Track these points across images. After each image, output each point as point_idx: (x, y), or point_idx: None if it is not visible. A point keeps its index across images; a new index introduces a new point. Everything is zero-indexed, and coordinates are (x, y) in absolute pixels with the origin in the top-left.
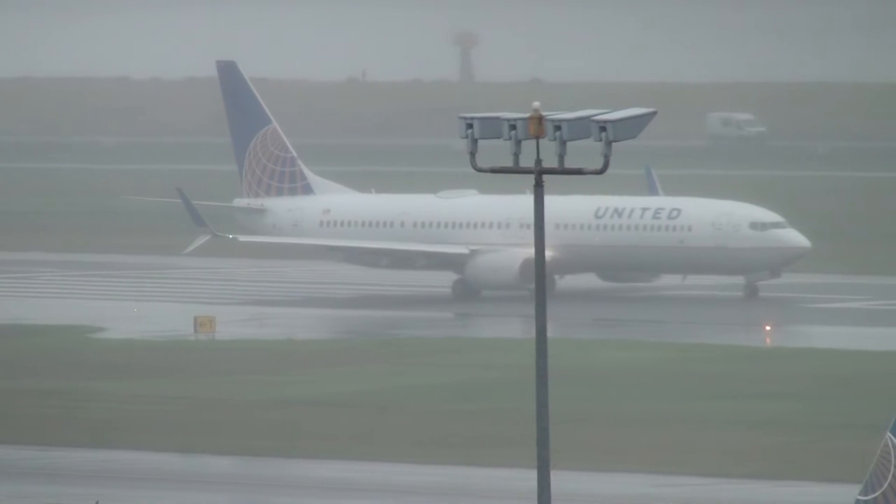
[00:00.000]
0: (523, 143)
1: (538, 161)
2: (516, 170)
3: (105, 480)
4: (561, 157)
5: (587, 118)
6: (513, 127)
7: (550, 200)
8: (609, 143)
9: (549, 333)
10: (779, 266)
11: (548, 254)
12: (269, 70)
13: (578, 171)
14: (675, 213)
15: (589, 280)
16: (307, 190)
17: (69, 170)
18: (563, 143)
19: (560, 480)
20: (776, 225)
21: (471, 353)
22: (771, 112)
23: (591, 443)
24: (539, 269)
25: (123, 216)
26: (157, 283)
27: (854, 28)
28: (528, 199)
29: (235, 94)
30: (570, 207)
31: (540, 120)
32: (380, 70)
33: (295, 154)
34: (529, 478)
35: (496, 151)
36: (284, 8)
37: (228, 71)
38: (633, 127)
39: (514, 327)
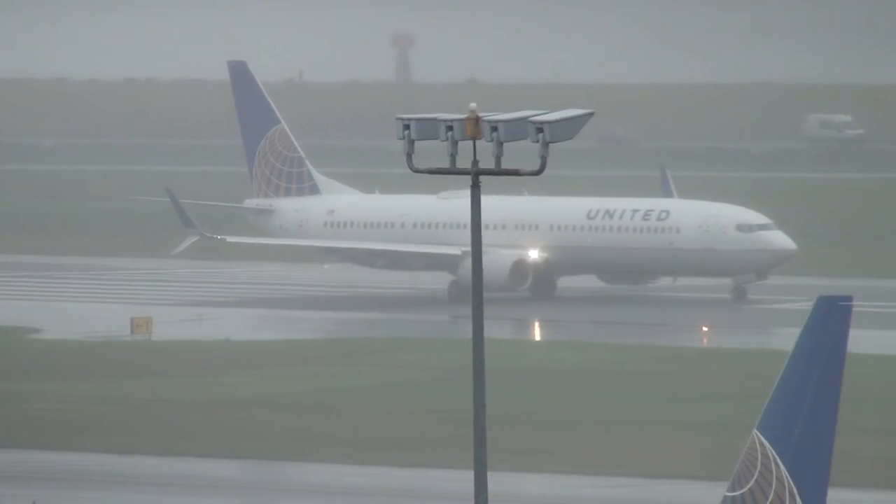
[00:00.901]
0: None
1: (475, 162)
2: (453, 171)
3: (41, 481)
4: (498, 158)
5: (524, 119)
6: (450, 128)
7: (545, 201)
8: (546, 145)
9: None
10: (765, 268)
11: (541, 255)
12: (205, 72)
13: (515, 172)
14: (664, 214)
15: (587, 282)
16: (314, 190)
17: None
18: (499, 144)
19: (497, 481)
20: (762, 227)
21: (418, 354)
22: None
23: (531, 444)
24: (476, 271)
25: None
26: (103, 284)
27: None
28: (523, 201)
29: (246, 94)
30: (563, 208)
31: (477, 121)
32: (317, 71)
33: (303, 154)
34: (466, 479)
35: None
36: (222, 10)
37: (239, 71)
38: (570, 128)
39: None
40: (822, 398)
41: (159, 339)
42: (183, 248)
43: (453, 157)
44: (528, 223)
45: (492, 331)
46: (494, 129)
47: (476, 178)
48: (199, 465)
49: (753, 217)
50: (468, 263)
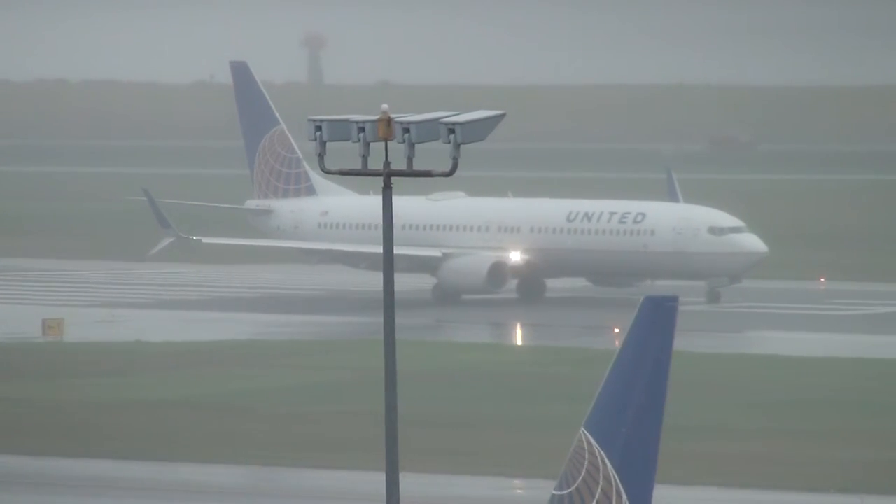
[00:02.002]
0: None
1: (386, 163)
2: (364, 172)
3: None
4: (409, 160)
5: (435, 120)
6: (361, 129)
7: (526, 203)
8: (457, 146)
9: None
10: (737, 271)
11: (522, 257)
12: (117, 72)
13: (427, 174)
14: (640, 217)
15: (577, 284)
16: (310, 191)
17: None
18: (411, 146)
19: (409, 483)
20: (734, 230)
21: (332, 355)
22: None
23: (440, 445)
24: (387, 272)
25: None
26: (16, 286)
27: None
28: (507, 203)
29: (247, 95)
30: (544, 211)
31: (388, 122)
32: (228, 72)
33: (300, 155)
34: (378, 480)
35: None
36: (134, 11)
37: (240, 72)
38: (481, 129)
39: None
40: (649, 397)
41: (71, 341)
42: (159, 249)
43: (365, 158)
44: (511, 225)
45: (430, 334)
46: (406, 130)
47: (388, 179)
48: (107, 466)
49: (726, 220)
50: (449, 265)
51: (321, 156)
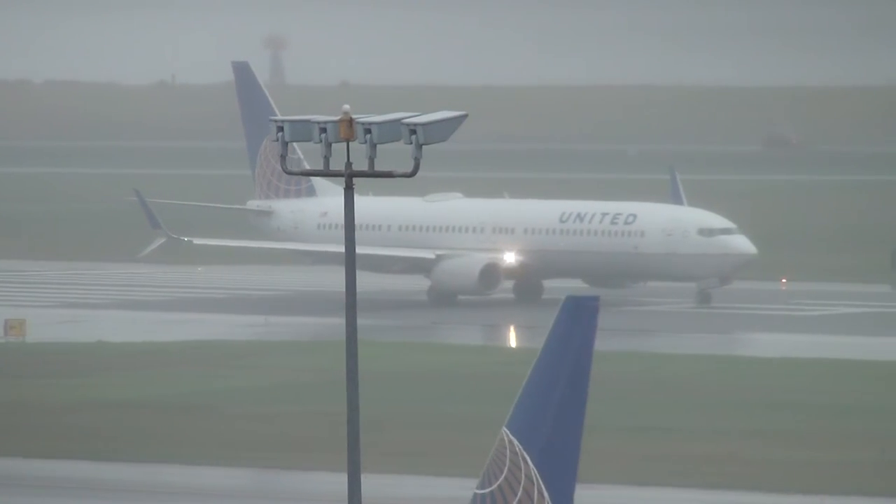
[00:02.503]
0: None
1: (348, 164)
2: (326, 173)
3: None
4: (371, 160)
5: (397, 121)
6: (323, 130)
7: (520, 205)
8: (419, 146)
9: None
10: (726, 273)
11: (516, 258)
12: (78, 73)
13: (388, 174)
14: (631, 218)
15: (576, 285)
16: (310, 192)
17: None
18: (373, 146)
19: (371, 483)
20: (724, 231)
21: (289, 356)
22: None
23: (404, 446)
24: (349, 273)
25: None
26: None
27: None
28: (502, 204)
29: (249, 96)
30: (537, 212)
31: (350, 123)
32: (190, 73)
33: (301, 156)
34: (340, 481)
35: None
36: (96, 12)
37: (242, 72)
38: (443, 130)
39: (387, 333)
40: (570, 396)
41: (33, 342)
42: (150, 250)
43: (327, 158)
44: (505, 226)
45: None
46: (368, 131)
47: (349, 179)
48: (66, 466)
49: (716, 221)
50: (442, 267)
51: (283, 156)
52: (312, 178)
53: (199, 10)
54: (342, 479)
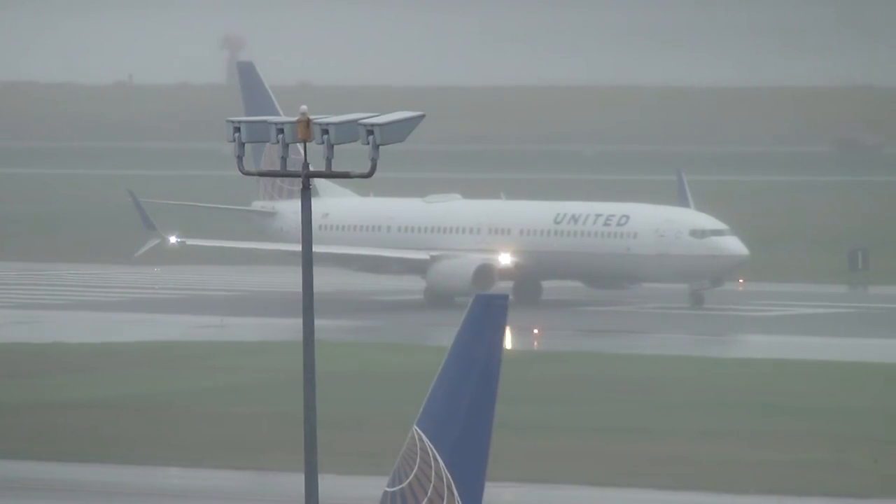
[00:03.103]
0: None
1: (305, 164)
2: (283, 173)
3: None
4: (328, 161)
5: (354, 122)
6: (280, 131)
7: (516, 206)
8: (377, 147)
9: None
10: (718, 274)
11: (511, 259)
12: (37, 73)
13: (345, 175)
14: (623, 219)
15: (575, 287)
16: (314, 193)
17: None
18: (330, 147)
19: (327, 484)
20: (716, 232)
21: (248, 357)
22: None
23: (359, 446)
24: (306, 273)
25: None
26: None
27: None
28: (499, 205)
29: (253, 96)
30: (532, 213)
31: (307, 123)
32: (147, 73)
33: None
34: (297, 481)
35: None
36: (53, 12)
37: (247, 72)
38: (400, 130)
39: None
40: (480, 395)
41: None
42: (144, 250)
43: (284, 159)
44: (501, 227)
45: (357, 335)
46: (325, 131)
47: (306, 180)
48: (20, 467)
49: (708, 222)
50: (437, 268)
51: (240, 157)
52: (315, 179)
53: (158, 10)
54: (300, 479)
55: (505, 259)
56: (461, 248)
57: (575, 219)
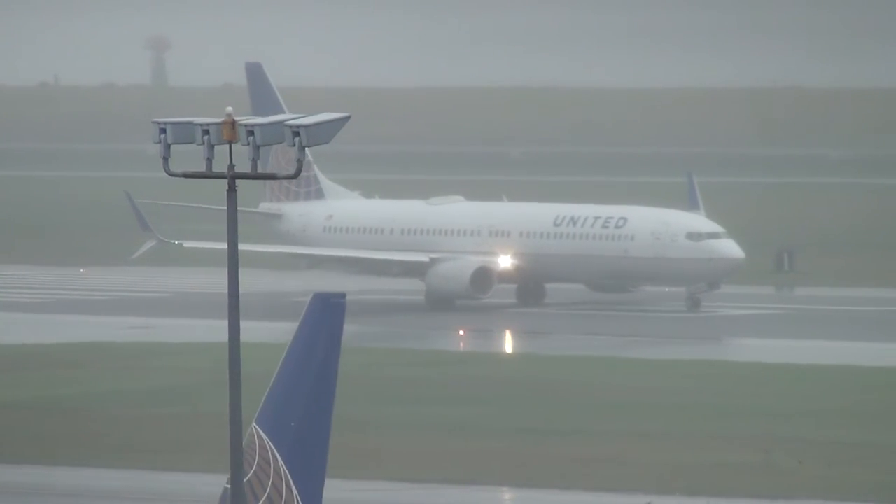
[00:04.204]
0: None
1: (231, 166)
2: (208, 175)
3: None
4: (254, 162)
5: (280, 123)
6: (206, 132)
7: (515, 208)
8: (303, 148)
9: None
10: (714, 277)
11: (511, 262)
12: None
13: (272, 176)
14: (621, 222)
15: (579, 289)
16: (319, 195)
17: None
18: (256, 148)
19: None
20: (712, 235)
21: (175, 358)
22: None
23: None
24: (232, 274)
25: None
26: None
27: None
28: (499, 207)
29: (261, 96)
30: (531, 215)
31: (233, 125)
32: (72, 74)
33: (311, 158)
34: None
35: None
36: None
37: (255, 72)
38: (326, 131)
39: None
40: (318, 393)
41: None
42: (140, 252)
43: (209, 160)
44: (501, 230)
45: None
46: (251, 133)
47: (232, 182)
48: None
49: (705, 225)
50: (435, 270)
51: (165, 158)
52: (321, 181)
53: (82, 11)
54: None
55: (504, 261)
56: (462, 251)
57: (574, 221)
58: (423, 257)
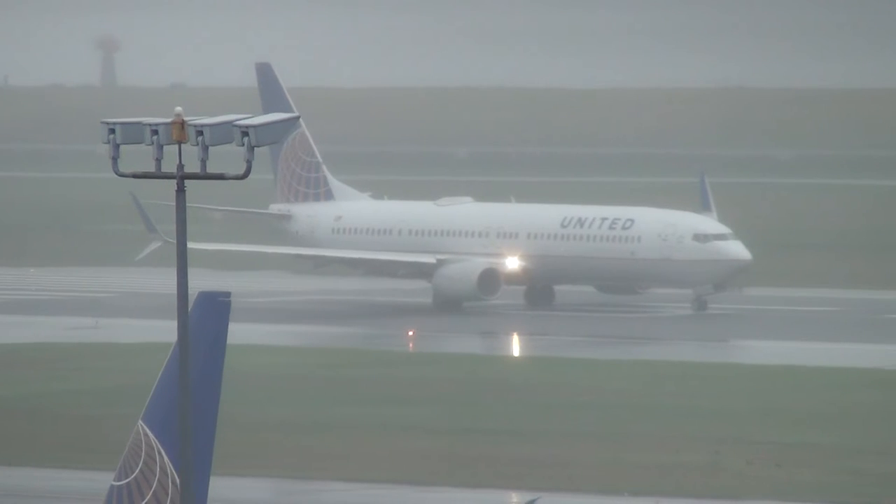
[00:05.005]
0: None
1: (180, 166)
2: (157, 175)
3: None
4: (203, 162)
5: (229, 123)
6: (155, 132)
7: (525, 209)
8: (252, 149)
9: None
10: (721, 279)
11: (519, 263)
12: None
13: (220, 177)
14: (628, 223)
15: (585, 291)
16: (328, 196)
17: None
18: (205, 148)
19: (218, 485)
20: (719, 237)
21: (125, 359)
22: None
23: (234, 447)
24: (181, 277)
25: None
26: None
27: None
28: (507, 209)
29: (271, 97)
30: (539, 217)
31: (182, 125)
32: (21, 75)
33: (320, 159)
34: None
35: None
36: None
37: (265, 73)
38: (275, 131)
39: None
40: (203, 391)
41: None
42: (145, 254)
43: (158, 161)
44: (509, 231)
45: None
46: (200, 133)
47: (181, 182)
48: None
49: (712, 227)
50: (442, 272)
51: (114, 159)
52: (331, 182)
53: (32, 11)
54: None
55: (511, 263)
56: (470, 252)
57: (581, 222)
58: (429, 258)
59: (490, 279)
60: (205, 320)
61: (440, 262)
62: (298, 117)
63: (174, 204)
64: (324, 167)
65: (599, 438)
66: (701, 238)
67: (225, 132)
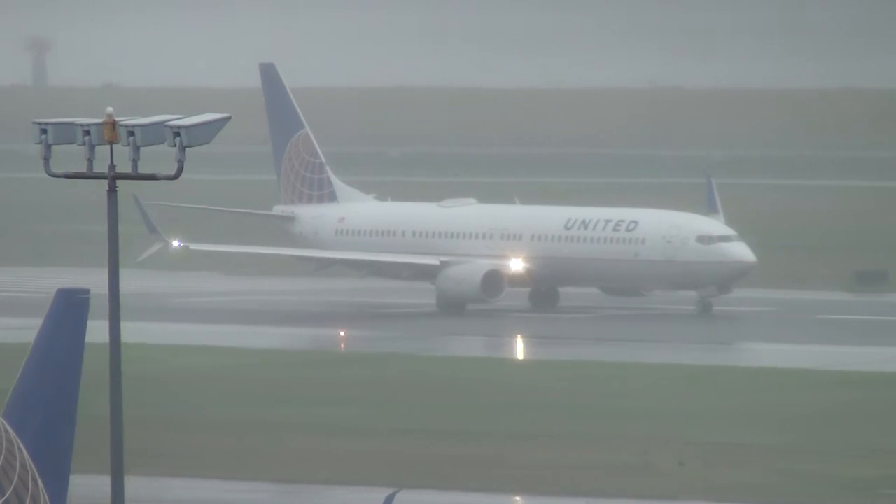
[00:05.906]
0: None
1: (111, 166)
2: (89, 175)
3: None
4: (135, 163)
5: (161, 123)
6: (87, 132)
7: (526, 210)
8: (183, 149)
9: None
10: (725, 281)
11: (523, 265)
12: None
13: (152, 177)
14: (632, 225)
15: (590, 293)
16: (332, 198)
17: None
18: (136, 149)
19: (133, 486)
20: (723, 238)
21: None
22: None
23: (165, 448)
24: (112, 278)
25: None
26: None
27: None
28: (511, 210)
29: (275, 97)
30: (543, 218)
31: (113, 125)
32: None
33: (324, 160)
34: (104, 483)
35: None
36: None
37: (269, 73)
38: (206, 132)
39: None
40: (62, 388)
41: None
42: (147, 255)
43: (90, 161)
44: (513, 233)
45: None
46: (131, 133)
47: (112, 182)
48: None
49: (716, 228)
50: (446, 273)
51: (46, 159)
52: (335, 184)
53: None
54: (106, 482)
55: (515, 265)
56: (474, 254)
57: (585, 224)
58: (433, 260)
59: (494, 281)
60: (63, 317)
61: (444, 264)
62: (229, 117)
63: (174, 204)
64: (327, 168)
65: (528, 439)
66: (705, 240)
67: (157, 132)
